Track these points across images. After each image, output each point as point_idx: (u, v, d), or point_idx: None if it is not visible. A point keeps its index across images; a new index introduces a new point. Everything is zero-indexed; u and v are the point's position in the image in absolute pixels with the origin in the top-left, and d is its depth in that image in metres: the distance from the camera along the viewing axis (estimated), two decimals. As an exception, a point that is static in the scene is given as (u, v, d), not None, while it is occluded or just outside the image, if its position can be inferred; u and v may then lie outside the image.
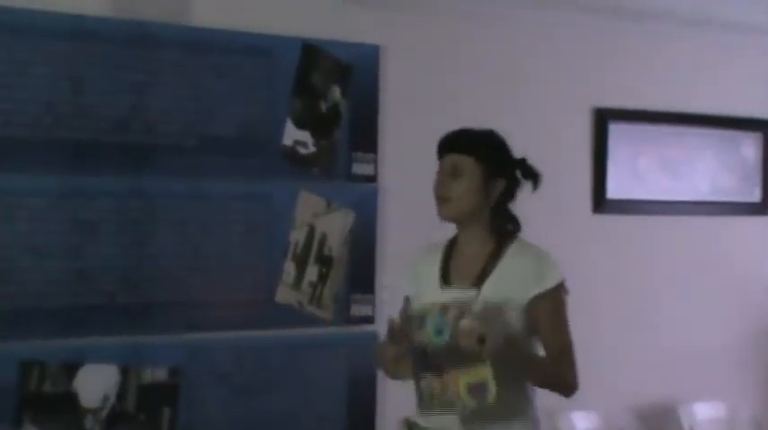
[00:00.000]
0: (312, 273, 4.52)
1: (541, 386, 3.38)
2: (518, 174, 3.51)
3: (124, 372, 4.16)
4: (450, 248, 3.50)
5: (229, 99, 4.36)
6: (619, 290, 5.45)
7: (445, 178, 3.40)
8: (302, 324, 4.45)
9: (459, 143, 3.44)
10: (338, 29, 4.60)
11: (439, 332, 3.14)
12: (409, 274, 3.56)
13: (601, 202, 5.39)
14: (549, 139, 5.20)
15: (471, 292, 3.27)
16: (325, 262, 4.54)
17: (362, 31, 4.66)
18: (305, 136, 4.50)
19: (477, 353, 3.08)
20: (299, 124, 4.48)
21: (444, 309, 3.14)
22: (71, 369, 4.09)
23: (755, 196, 5.89)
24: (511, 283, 3.34)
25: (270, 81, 4.43)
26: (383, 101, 4.71)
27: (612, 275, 5.43)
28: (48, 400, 4.06)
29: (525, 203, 5.07)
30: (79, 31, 4.10)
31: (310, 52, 4.49)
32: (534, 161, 5.02)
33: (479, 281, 3.35)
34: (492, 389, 3.09)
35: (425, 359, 3.16)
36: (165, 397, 4.23)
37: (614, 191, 5.42)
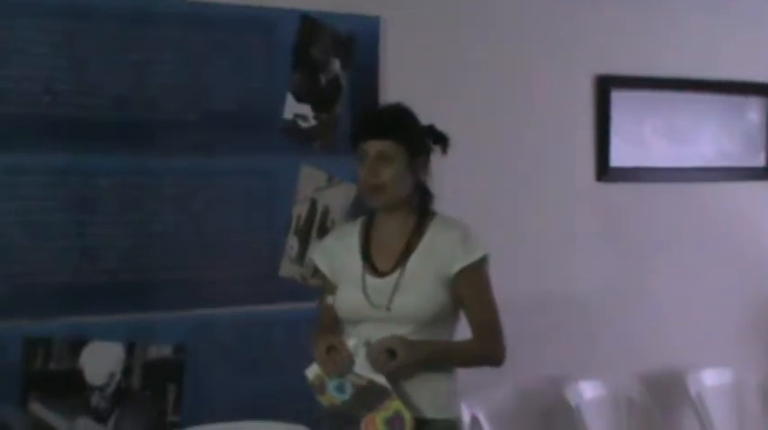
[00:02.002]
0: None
1: (467, 367, 3.44)
2: (429, 142, 3.48)
3: (129, 350, 4.17)
4: (368, 227, 3.52)
5: (229, 74, 4.34)
6: (623, 258, 5.44)
7: (373, 166, 3.37)
8: (306, 298, 4.43)
9: (378, 129, 3.40)
10: (338, 0, 4.58)
11: (340, 390, 3.27)
12: (326, 254, 3.58)
13: (604, 171, 5.37)
14: (551, 108, 5.20)
15: (352, 339, 3.27)
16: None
17: (363, 3, 4.64)
18: (305, 110, 4.48)
19: (392, 367, 3.20)
20: (300, 98, 4.46)
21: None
22: (76, 346, 4.09)
23: (760, 161, 5.87)
24: (435, 259, 3.38)
25: (269, 55, 4.41)
26: (384, 73, 4.69)
27: (617, 243, 5.43)
28: (53, 378, 4.06)
29: (529, 173, 5.12)
30: (78, 7, 4.07)
31: (309, 25, 4.47)
32: (540, 131, 5.11)
33: (403, 258, 3.39)
34: (407, 416, 3.21)
35: (340, 418, 3.28)
36: (170, 373, 4.23)
37: (618, 159, 5.39)
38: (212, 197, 4.32)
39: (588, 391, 5.10)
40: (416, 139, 3.43)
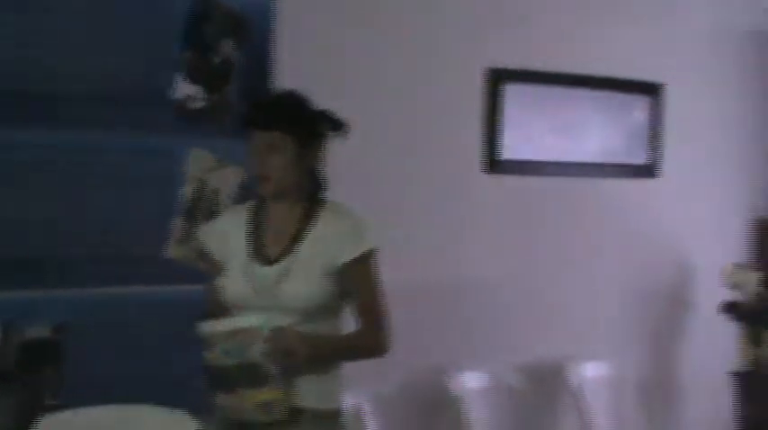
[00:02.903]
0: (202, 229, 4.43)
1: (354, 360, 3.44)
2: (324, 129, 3.44)
3: (5, 329, 4.03)
4: (258, 212, 3.49)
5: (119, 50, 4.21)
6: (509, 250, 5.48)
7: (261, 155, 3.35)
8: (191, 280, 4.35)
9: (265, 119, 3.37)
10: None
11: (228, 354, 3.24)
12: (211, 233, 3.59)
13: (493, 163, 5.39)
14: (443, 100, 5.22)
15: (258, 318, 3.25)
16: (215, 218, 4.45)
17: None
18: (196, 90, 4.39)
19: (289, 367, 3.22)
20: (191, 78, 4.38)
21: (231, 335, 3.22)
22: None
23: (645, 158, 5.95)
24: (323, 248, 3.35)
25: (159, 34, 4.30)
26: (279, 55, 4.63)
27: (503, 235, 5.46)
28: None
29: (418, 163, 5.12)
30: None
31: (201, 3, 4.38)
32: (429, 120, 5.11)
33: (291, 247, 3.36)
34: (282, 407, 3.25)
35: (216, 378, 3.28)
36: (47, 354, 4.09)
37: (508, 152, 5.42)
38: (99, 176, 4.19)
39: (471, 382, 5.13)
40: (306, 128, 3.38)
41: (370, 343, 3.40)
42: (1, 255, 4.02)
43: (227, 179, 4.48)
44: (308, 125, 3.39)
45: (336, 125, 3.43)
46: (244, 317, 3.28)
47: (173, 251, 4.38)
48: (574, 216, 5.68)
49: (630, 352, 5.88)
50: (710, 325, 6.02)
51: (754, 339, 6.00)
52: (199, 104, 4.41)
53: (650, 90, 5.91)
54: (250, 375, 3.22)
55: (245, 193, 4.47)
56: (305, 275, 3.32)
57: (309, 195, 3.44)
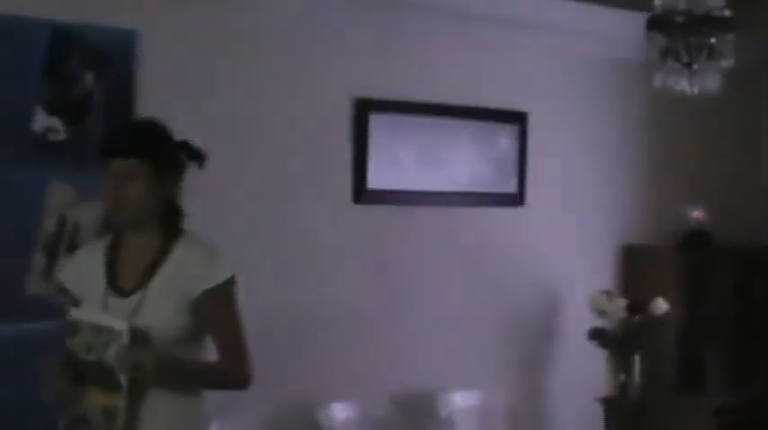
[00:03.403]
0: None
1: (212, 389, 3.39)
2: (182, 159, 3.39)
3: None
4: (115, 244, 3.42)
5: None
6: (379, 279, 5.48)
7: (117, 183, 3.28)
8: (53, 316, 4.26)
9: (122, 146, 3.31)
10: (93, 12, 4.44)
11: (89, 349, 3.21)
12: (70, 266, 3.54)
13: (361, 192, 5.40)
14: (310, 130, 5.21)
15: (122, 323, 3.18)
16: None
17: (120, 16, 4.52)
18: (56, 122, 4.33)
19: (134, 379, 3.14)
20: (51, 110, 4.31)
21: (96, 331, 3.19)
22: None
23: (512, 187, 6.00)
24: (179, 279, 3.30)
25: (18, 65, 4.23)
26: (142, 87, 4.58)
27: (373, 265, 5.46)
28: None
29: (288, 192, 5.10)
30: None
31: (62, 36, 4.32)
32: (296, 150, 5.10)
33: (146, 278, 3.31)
34: (122, 418, 3.17)
35: (71, 367, 3.22)
36: None
37: (375, 181, 5.43)
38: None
39: (340, 413, 5.10)
40: (164, 157, 3.33)
41: (230, 373, 3.35)
42: None
43: (89, 213, 4.41)
44: (165, 153, 3.34)
45: (194, 154, 3.39)
46: (111, 317, 3.21)
47: (33, 287, 4.28)
48: (442, 245, 5.70)
49: (500, 381, 5.91)
50: (578, 352, 6.09)
51: (621, 365, 6.08)
52: (58, 137, 4.33)
53: (515, 118, 5.97)
54: (103, 376, 3.17)
55: (107, 227, 4.42)
56: (156, 309, 3.26)
57: (166, 226, 3.38)
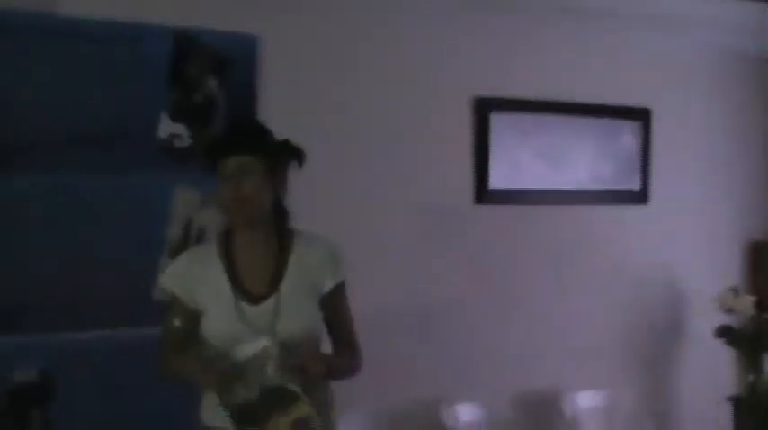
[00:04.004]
0: (190, 268, 4.39)
1: (342, 378, 3.47)
2: (285, 157, 3.46)
3: (-7, 375, 4.00)
4: (227, 249, 3.46)
5: (100, 92, 4.20)
6: (502, 281, 5.46)
7: (233, 181, 3.34)
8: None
9: (239, 143, 3.39)
10: (214, 17, 4.50)
11: (246, 386, 3.15)
12: (181, 277, 3.50)
13: (483, 193, 5.38)
14: (430, 131, 5.21)
15: (265, 339, 3.22)
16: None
17: (242, 21, 4.56)
18: (180, 128, 4.36)
19: (304, 382, 3.16)
20: (175, 117, 4.35)
21: (248, 363, 3.17)
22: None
23: (635, 184, 5.92)
24: (309, 277, 3.40)
25: (141, 72, 4.27)
26: (263, 93, 4.61)
27: (496, 266, 5.44)
28: None
29: (409, 195, 5.10)
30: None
31: (184, 42, 4.35)
32: (418, 151, 5.10)
33: (276, 280, 3.38)
34: (316, 421, 3.14)
35: (243, 416, 3.15)
36: (35, 398, 4.07)
37: (496, 181, 5.40)
38: (82, 218, 4.18)
39: (464, 414, 5.09)
40: (274, 154, 3.41)
41: (354, 363, 3.49)
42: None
43: (214, 217, 4.44)
44: (274, 150, 3.42)
45: (296, 153, 3.45)
46: (252, 340, 3.22)
47: (160, 293, 4.33)
48: (565, 243, 5.66)
49: (626, 381, 5.84)
50: (706, 351, 5.98)
51: (750, 364, 5.95)
52: (184, 143, 4.38)
53: (637, 115, 5.90)
54: (275, 398, 3.14)
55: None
56: (296, 310, 3.34)
57: (277, 225, 3.45)
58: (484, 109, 5.36)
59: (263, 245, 3.42)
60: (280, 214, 3.46)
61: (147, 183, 4.29)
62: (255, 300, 3.36)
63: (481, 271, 5.37)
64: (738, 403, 5.99)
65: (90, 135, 4.18)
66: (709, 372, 6.02)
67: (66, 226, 4.17)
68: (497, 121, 5.39)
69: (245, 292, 3.38)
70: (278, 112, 4.63)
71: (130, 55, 4.27)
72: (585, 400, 5.50)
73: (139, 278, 4.29)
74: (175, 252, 4.36)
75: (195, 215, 4.41)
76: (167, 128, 4.34)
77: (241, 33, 4.49)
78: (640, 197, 5.94)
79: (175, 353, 3.45)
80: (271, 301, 3.35)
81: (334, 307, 3.44)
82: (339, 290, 3.46)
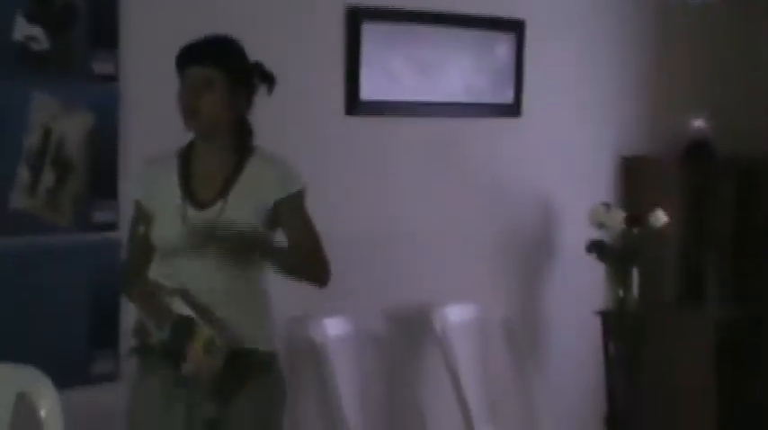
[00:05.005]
0: (49, 178, 4.24)
1: (293, 276, 3.58)
2: (255, 79, 3.54)
3: None
4: (187, 159, 3.52)
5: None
6: (372, 193, 5.40)
7: (194, 91, 3.39)
8: (39, 231, 4.19)
9: (205, 55, 3.44)
10: None
11: (158, 328, 3.41)
12: (141, 183, 3.61)
13: (354, 104, 5.29)
14: (301, 40, 5.08)
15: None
16: (62, 166, 4.26)
17: None
18: (38, 31, 4.18)
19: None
20: (31, 18, 4.17)
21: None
22: None
23: (509, 97, 5.89)
24: (254, 193, 3.46)
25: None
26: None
27: (366, 178, 5.37)
28: None
29: (279, 105, 4.96)
30: None
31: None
32: (287, 62, 4.96)
33: (223, 193, 3.44)
34: (219, 343, 3.36)
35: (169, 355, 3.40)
36: None
37: (368, 92, 5.31)
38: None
39: (333, 328, 5.04)
40: (240, 71, 3.47)
41: (313, 270, 3.60)
42: None
43: (75, 126, 4.30)
44: (241, 67, 3.49)
45: (266, 76, 3.54)
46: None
47: (16, 201, 4.18)
48: (438, 156, 5.60)
49: (497, 294, 5.85)
50: (577, 265, 6.02)
51: (620, 279, 6.02)
52: (41, 46, 4.20)
53: (513, 27, 5.84)
54: (181, 331, 3.34)
55: (93, 140, 4.32)
56: (239, 216, 3.40)
57: (238, 141, 3.51)
58: (356, 18, 5.24)
59: (219, 157, 3.48)
60: (243, 130, 3.52)
61: (3, 89, 4.10)
62: (201, 205, 3.43)
63: (352, 183, 5.29)
64: (608, 317, 6.06)
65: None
66: (580, 287, 6.07)
67: None
68: (370, 31, 5.28)
69: (194, 198, 3.45)
70: (141, 15, 4.50)
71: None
72: (456, 314, 5.49)
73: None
74: (33, 161, 4.20)
75: (54, 123, 4.24)
76: (23, 29, 4.15)
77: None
78: (513, 110, 5.90)
79: (141, 262, 3.55)
80: (216, 208, 3.42)
81: (282, 220, 3.51)
82: (286, 203, 3.51)
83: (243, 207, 3.43)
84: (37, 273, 4.21)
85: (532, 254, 6.07)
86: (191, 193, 3.46)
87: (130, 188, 3.69)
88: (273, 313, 3.61)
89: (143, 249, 3.56)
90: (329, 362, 4.90)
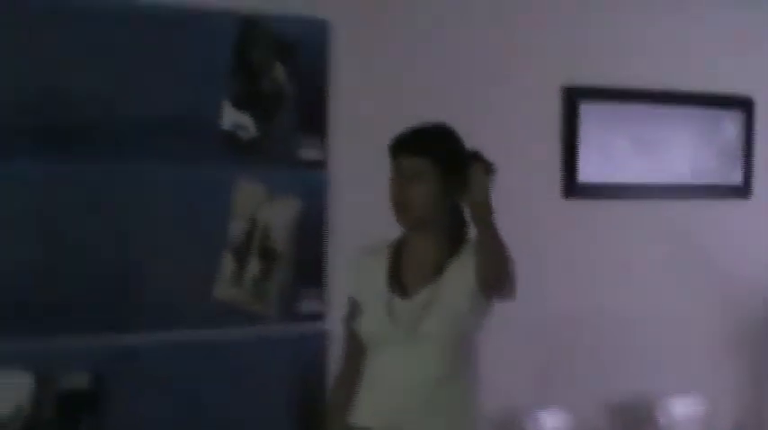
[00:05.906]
0: (254, 266, 4.21)
1: (495, 260, 3.20)
2: (471, 166, 3.27)
3: (40, 379, 3.82)
4: (399, 250, 3.38)
5: (160, 78, 4.02)
6: (592, 280, 5.20)
7: (403, 183, 3.26)
8: (244, 322, 4.15)
9: (414, 145, 3.29)
10: (282, 2, 4.28)
11: None
12: (354, 274, 3.46)
13: (572, 187, 5.12)
14: (516, 121, 4.98)
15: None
16: (268, 255, 4.23)
17: (310, 5, 4.34)
18: (245, 119, 4.18)
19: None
20: (239, 105, 4.16)
21: None
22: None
23: (737, 178, 5.61)
24: (467, 282, 3.22)
25: (204, 59, 4.10)
26: (334, 80, 4.40)
27: (585, 264, 5.19)
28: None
29: (495, 189, 4.82)
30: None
31: (250, 27, 4.16)
32: (502, 145, 4.82)
33: (434, 277, 3.27)
34: None
35: None
36: (86, 404, 3.90)
37: (586, 175, 5.14)
38: (138, 211, 4.01)
39: (550, 421, 4.85)
40: (454, 161, 3.28)
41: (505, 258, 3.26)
42: (31, 298, 3.83)
43: (279, 214, 4.25)
44: (456, 158, 3.29)
45: (486, 165, 3.27)
46: None
47: (221, 292, 4.14)
48: (661, 240, 5.37)
49: (725, 386, 5.55)
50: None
51: None
52: (248, 134, 4.18)
53: (740, 104, 5.58)
54: None
55: (300, 228, 4.26)
56: (447, 307, 3.24)
57: (452, 233, 3.34)
58: (573, 98, 5.09)
59: (431, 247, 3.32)
60: (456, 220, 3.36)
61: (209, 176, 4.09)
62: (408, 294, 3.29)
63: (570, 269, 5.10)
64: None
65: (151, 123, 4.01)
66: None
67: (119, 219, 3.99)
68: (587, 112, 5.12)
69: (401, 287, 3.31)
70: (349, 101, 4.45)
71: (193, 41, 4.08)
72: (681, 407, 5.21)
73: (199, 277, 4.10)
74: (238, 249, 4.17)
75: (259, 211, 4.21)
76: (231, 117, 4.14)
77: (310, 17, 4.28)
78: (742, 192, 5.62)
79: (352, 363, 3.42)
80: (423, 295, 3.26)
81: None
82: None
83: (454, 293, 3.24)
84: (242, 365, 4.17)
85: (764, 343, 5.71)
86: (399, 283, 3.32)
87: (347, 280, 3.53)
88: (478, 407, 3.40)
89: (355, 347, 3.42)
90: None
